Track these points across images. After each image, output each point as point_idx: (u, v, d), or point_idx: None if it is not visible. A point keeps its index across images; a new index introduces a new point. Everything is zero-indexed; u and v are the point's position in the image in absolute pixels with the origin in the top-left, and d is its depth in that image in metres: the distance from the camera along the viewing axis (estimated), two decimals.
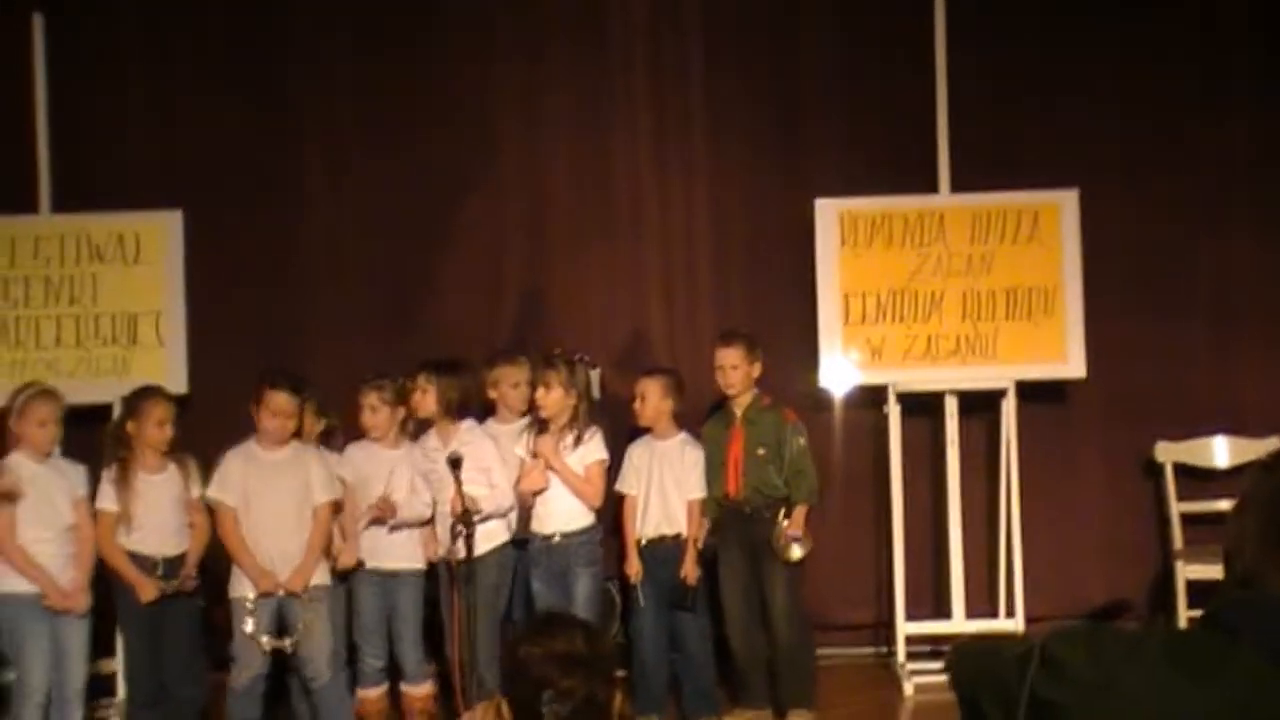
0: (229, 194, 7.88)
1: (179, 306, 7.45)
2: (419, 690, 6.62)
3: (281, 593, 6.15)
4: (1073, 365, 7.53)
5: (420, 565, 6.64)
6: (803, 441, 6.83)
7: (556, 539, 6.62)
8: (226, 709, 6.20)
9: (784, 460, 6.78)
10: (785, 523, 6.71)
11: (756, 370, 6.87)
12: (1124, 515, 7.96)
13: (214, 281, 7.69)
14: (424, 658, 6.66)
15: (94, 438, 6.64)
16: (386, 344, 7.64)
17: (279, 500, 6.22)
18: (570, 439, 6.63)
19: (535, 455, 6.64)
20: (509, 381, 6.83)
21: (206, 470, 6.43)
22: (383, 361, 7.03)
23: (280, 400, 6.16)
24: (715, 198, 8.10)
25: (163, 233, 7.50)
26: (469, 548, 5.71)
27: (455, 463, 5.87)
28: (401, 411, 6.67)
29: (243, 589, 6.16)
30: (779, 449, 6.79)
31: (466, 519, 5.72)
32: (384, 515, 6.50)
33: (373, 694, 6.58)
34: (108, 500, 6.26)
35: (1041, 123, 7.91)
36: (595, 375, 7.13)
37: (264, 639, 6.09)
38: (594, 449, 6.66)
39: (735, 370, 6.82)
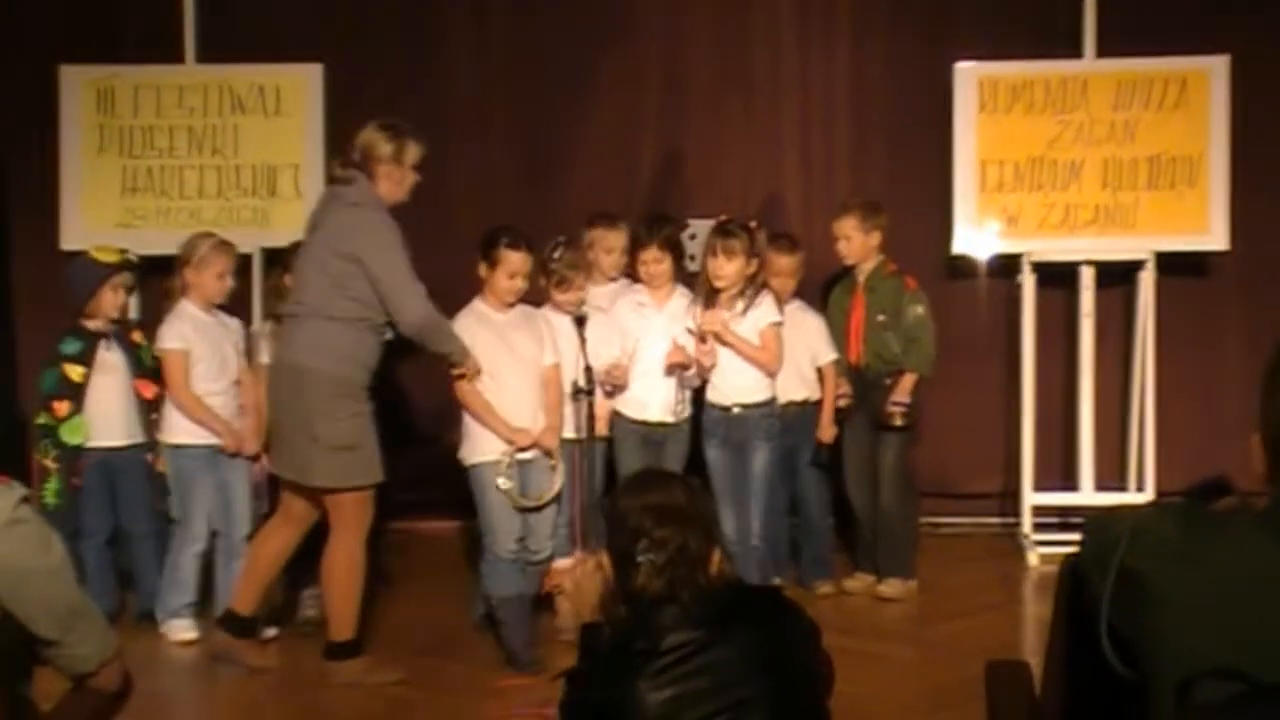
0: (370, 48, 7.94)
1: (318, 159, 7.53)
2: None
3: (535, 451, 5.89)
4: (1215, 237, 7.38)
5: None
6: (921, 310, 6.73)
7: (735, 410, 6.38)
8: (490, 583, 5.88)
9: (901, 327, 6.73)
10: (896, 389, 6.68)
11: (875, 239, 6.75)
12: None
13: (352, 134, 7.73)
14: None
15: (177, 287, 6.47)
16: (527, 200, 7.67)
17: (517, 360, 5.91)
18: (740, 306, 6.35)
19: (703, 332, 6.35)
20: (604, 246, 6.57)
21: None
22: (523, 219, 6.57)
23: (518, 260, 5.85)
24: (855, 60, 8.02)
25: (303, 85, 7.60)
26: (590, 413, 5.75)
27: (581, 321, 5.91)
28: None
29: (485, 452, 5.84)
30: (898, 316, 6.72)
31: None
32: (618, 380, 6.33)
33: (566, 564, 6.09)
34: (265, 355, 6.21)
35: None
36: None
37: (520, 499, 5.83)
38: (766, 312, 6.38)
39: (849, 241, 6.75)
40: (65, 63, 7.62)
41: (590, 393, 5.93)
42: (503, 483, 5.76)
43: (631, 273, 6.62)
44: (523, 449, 5.84)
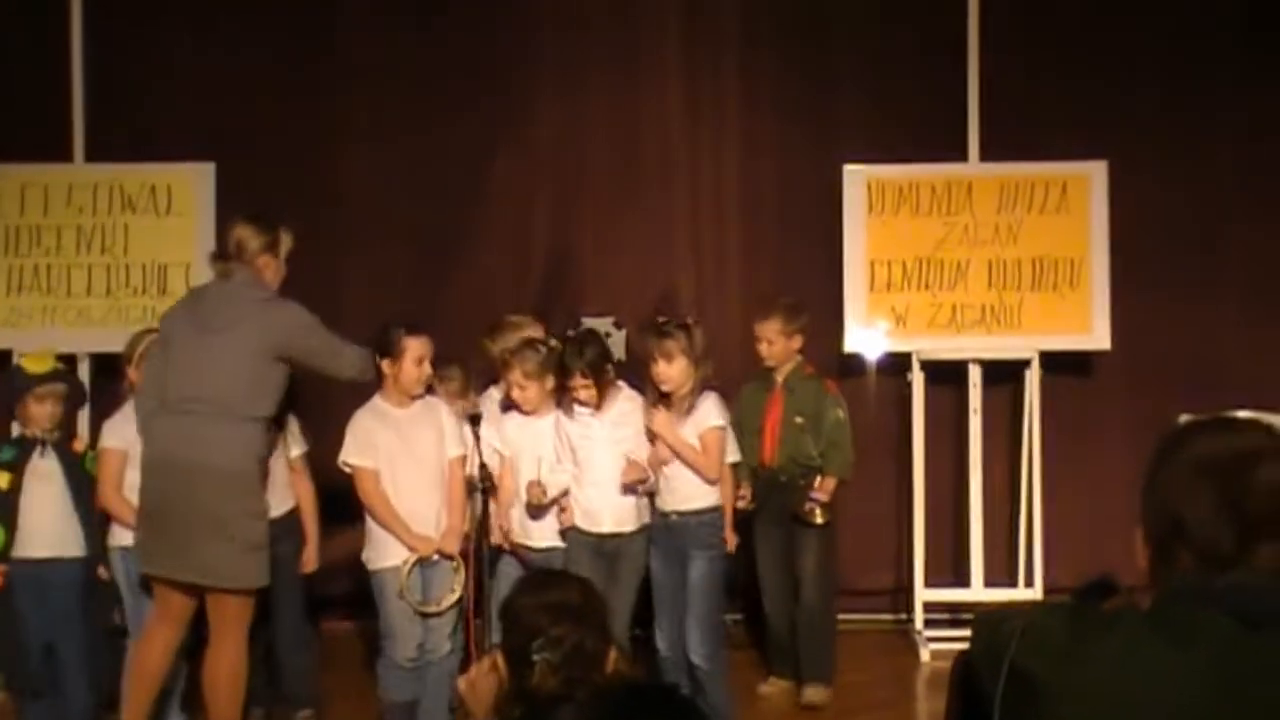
0: (262, 148, 7.91)
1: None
2: None
3: (436, 557, 5.80)
4: (1097, 337, 7.54)
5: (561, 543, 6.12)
6: (842, 414, 6.67)
7: (674, 518, 6.06)
8: (384, 687, 5.84)
9: (821, 430, 6.64)
10: (815, 488, 6.58)
11: (797, 342, 6.67)
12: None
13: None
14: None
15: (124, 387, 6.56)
16: (418, 301, 7.64)
17: (419, 458, 5.83)
18: (685, 407, 6.05)
19: (650, 435, 6.06)
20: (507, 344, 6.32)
21: None
22: (414, 317, 6.38)
23: (424, 345, 5.79)
24: (745, 162, 8.13)
25: (195, 184, 7.56)
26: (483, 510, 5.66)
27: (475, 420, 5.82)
28: (550, 381, 6.07)
29: (388, 557, 5.77)
30: (818, 419, 6.63)
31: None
32: (535, 499, 6.04)
33: None
34: None
35: (1072, 93, 7.90)
36: (621, 337, 7.08)
37: (421, 605, 5.75)
38: (707, 413, 6.05)
39: (771, 345, 6.65)
40: None
41: (485, 490, 5.74)
42: (406, 592, 5.72)
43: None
44: (422, 558, 5.79)
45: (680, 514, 6.05)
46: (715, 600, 6.11)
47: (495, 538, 5.95)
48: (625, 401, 6.11)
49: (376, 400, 5.90)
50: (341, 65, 8.09)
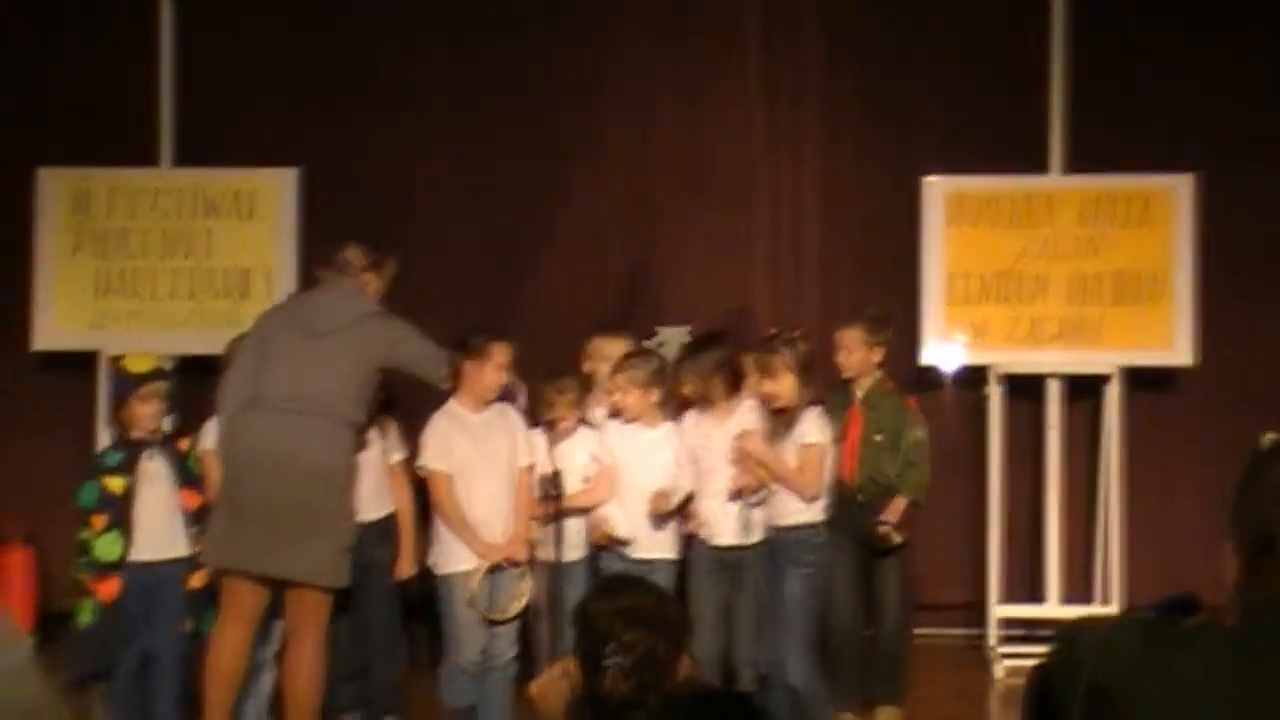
0: (345, 154, 7.98)
1: (291, 263, 7.59)
2: None
3: (505, 565, 5.82)
4: (1180, 352, 7.45)
5: (674, 555, 6.03)
6: (921, 434, 6.44)
7: (769, 533, 5.87)
8: (447, 691, 5.85)
9: (899, 449, 6.40)
10: (886, 510, 6.35)
11: (878, 355, 6.47)
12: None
13: (325, 239, 7.78)
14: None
15: (206, 390, 6.40)
16: (492, 310, 7.68)
17: (493, 465, 5.85)
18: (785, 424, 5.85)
19: (738, 453, 5.83)
20: (602, 356, 6.31)
21: None
22: (498, 324, 6.55)
23: (507, 351, 5.85)
24: (825, 172, 8.10)
25: (278, 189, 7.66)
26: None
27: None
28: (656, 392, 5.98)
29: (456, 562, 5.79)
30: (896, 437, 6.41)
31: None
32: (659, 509, 5.90)
33: None
34: None
35: (1158, 105, 7.80)
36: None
37: (487, 611, 5.76)
38: (807, 429, 5.83)
39: (850, 353, 6.43)
40: (42, 164, 7.66)
41: (555, 498, 5.71)
42: (472, 598, 5.74)
43: None
44: (493, 565, 5.80)
45: (776, 529, 5.86)
46: (812, 621, 5.87)
47: (593, 538, 5.95)
48: (747, 413, 5.93)
49: (452, 405, 5.91)
50: (421, 76, 8.15)
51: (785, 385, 5.86)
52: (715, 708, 3.10)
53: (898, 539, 6.39)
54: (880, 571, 6.46)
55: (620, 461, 5.99)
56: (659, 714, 2.94)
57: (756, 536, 5.86)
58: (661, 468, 5.94)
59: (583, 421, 6.09)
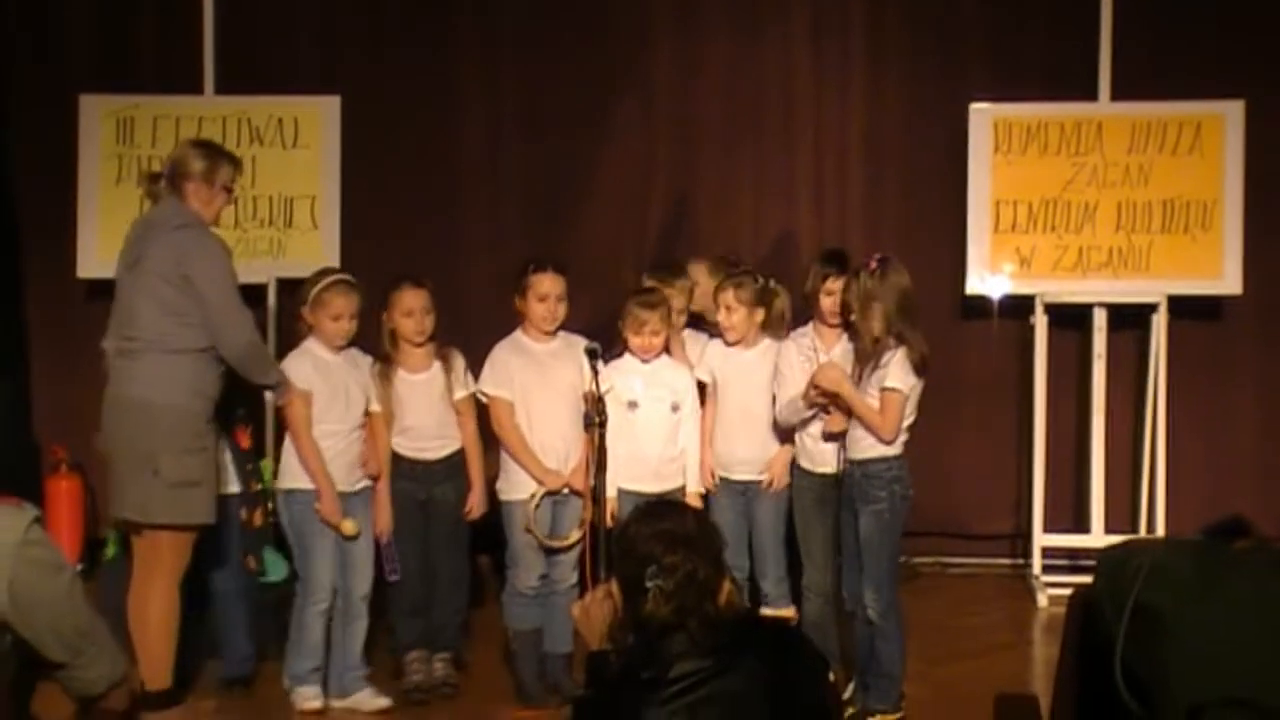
0: (387, 82, 7.98)
1: (334, 191, 7.60)
2: (782, 613, 5.84)
3: (566, 491, 5.82)
4: (1229, 281, 7.38)
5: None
6: None
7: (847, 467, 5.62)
8: (508, 615, 5.87)
9: None
10: None
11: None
12: (1274, 435, 7.81)
13: (369, 169, 7.82)
14: (784, 575, 5.99)
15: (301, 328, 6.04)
16: (537, 242, 7.65)
17: (555, 393, 5.83)
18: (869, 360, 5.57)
19: (817, 389, 5.60)
20: (697, 282, 6.32)
21: None
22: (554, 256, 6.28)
23: (549, 281, 5.79)
24: (869, 100, 8.02)
25: (321, 117, 7.64)
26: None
27: (593, 354, 5.72)
28: (760, 312, 5.93)
29: (519, 489, 5.81)
30: None
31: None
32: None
33: None
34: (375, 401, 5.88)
35: (1206, 31, 7.69)
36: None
37: (546, 538, 5.78)
38: (890, 372, 5.46)
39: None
40: (85, 92, 7.67)
41: (601, 424, 5.58)
42: (532, 524, 5.76)
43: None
44: (551, 492, 5.82)
45: (856, 462, 5.55)
46: (887, 552, 5.53)
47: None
48: (849, 342, 5.70)
49: (518, 334, 5.92)
50: (462, 9, 8.09)
51: (737, 319, 5.90)
52: (757, 632, 3.10)
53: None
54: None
55: (723, 380, 6.00)
56: (700, 637, 2.95)
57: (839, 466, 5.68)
58: (763, 386, 5.93)
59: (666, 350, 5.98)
